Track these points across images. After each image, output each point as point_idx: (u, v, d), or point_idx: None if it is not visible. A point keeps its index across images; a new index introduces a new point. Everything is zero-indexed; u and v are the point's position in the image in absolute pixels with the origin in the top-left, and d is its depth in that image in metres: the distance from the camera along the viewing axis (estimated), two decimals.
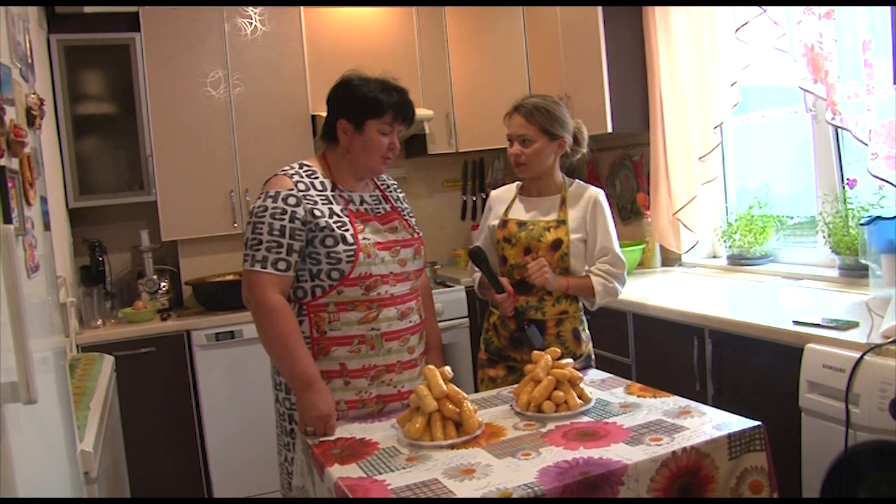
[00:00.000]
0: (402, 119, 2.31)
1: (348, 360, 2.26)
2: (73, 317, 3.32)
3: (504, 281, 2.58)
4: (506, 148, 2.71)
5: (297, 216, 2.19)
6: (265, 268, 2.17)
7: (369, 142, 2.29)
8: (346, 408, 2.26)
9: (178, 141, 4.17)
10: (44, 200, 1.79)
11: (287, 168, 2.32)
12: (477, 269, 2.66)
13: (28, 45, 1.81)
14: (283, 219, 2.18)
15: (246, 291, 2.21)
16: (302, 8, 4.39)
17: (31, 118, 1.62)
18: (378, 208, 2.39)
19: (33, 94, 1.69)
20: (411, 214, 2.52)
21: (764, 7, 3.10)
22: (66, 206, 3.98)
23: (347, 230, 2.23)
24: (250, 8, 4.29)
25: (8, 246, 1.12)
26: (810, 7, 2.94)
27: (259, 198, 2.25)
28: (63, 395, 1.81)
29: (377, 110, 2.27)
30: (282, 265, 2.18)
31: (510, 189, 2.80)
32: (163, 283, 4.25)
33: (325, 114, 2.39)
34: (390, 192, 2.50)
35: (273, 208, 2.19)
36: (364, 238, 2.25)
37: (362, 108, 2.28)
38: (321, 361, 2.24)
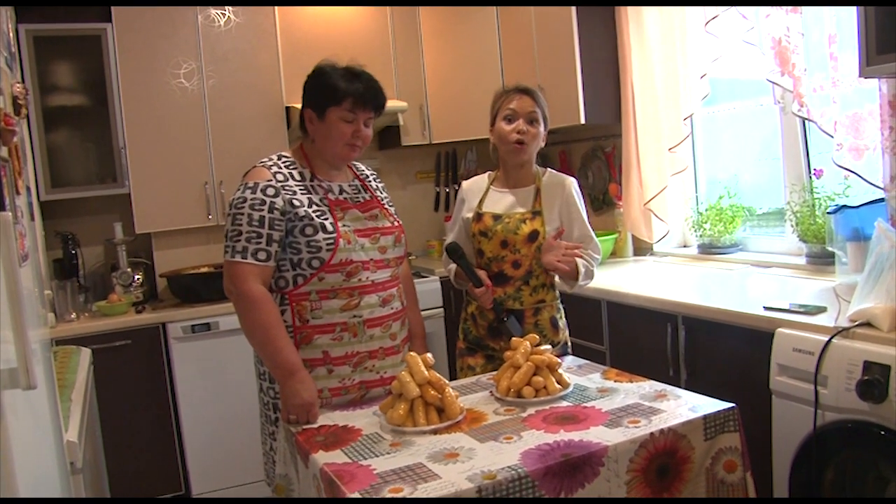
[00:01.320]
0: (364, 105, 2.30)
1: (331, 347, 2.28)
2: (48, 310, 3.30)
3: (482, 274, 2.60)
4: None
5: (276, 206, 2.21)
6: (245, 258, 2.18)
7: (332, 129, 2.30)
8: (329, 395, 2.29)
9: (152, 133, 4.15)
10: (28, 191, 1.80)
11: (265, 160, 2.34)
12: (454, 263, 2.68)
13: (11, 34, 1.81)
14: (263, 209, 2.20)
15: (227, 282, 2.23)
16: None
17: (17, 107, 1.63)
18: (357, 197, 2.41)
19: (19, 83, 1.69)
20: (391, 203, 2.54)
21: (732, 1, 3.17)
22: (38, 198, 3.94)
23: (327, 219, 2.26)
24: (225, 5, 4.27)
25: (7, 233, 1.14)
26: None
27: (238, 189, 2.26)
28: (50, 386, 1.82)
29: (336, 97, 2.28)
30: (262, 255, 2.19)
31: (482, 180, 2.81)
32: (137, 276, 4.23)
33: (299, 105, 2.42)
34: (369, 181, 2.53)
35: (252, 199, 2.21)
36: (343, 225, 2.28)
37: (323, 96, 2.30)
38: (304, 350, 2.26)
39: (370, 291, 2.31)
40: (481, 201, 2.73)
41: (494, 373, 2.34)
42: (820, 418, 2.23)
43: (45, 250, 3.96)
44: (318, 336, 2.27)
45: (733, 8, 3.17)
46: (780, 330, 2.41)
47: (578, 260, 2.60)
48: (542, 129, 2.64)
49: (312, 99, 2.33)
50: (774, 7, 3.01)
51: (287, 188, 2.26)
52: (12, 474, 1.19)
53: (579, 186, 2.73)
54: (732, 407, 1.98)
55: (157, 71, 4.15)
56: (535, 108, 2.61)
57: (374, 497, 1.61)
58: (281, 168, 2.31)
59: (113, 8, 4.03)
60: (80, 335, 3.70)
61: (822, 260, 3.11)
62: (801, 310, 2.48)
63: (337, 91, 2.27)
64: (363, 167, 2.57)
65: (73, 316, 3.92)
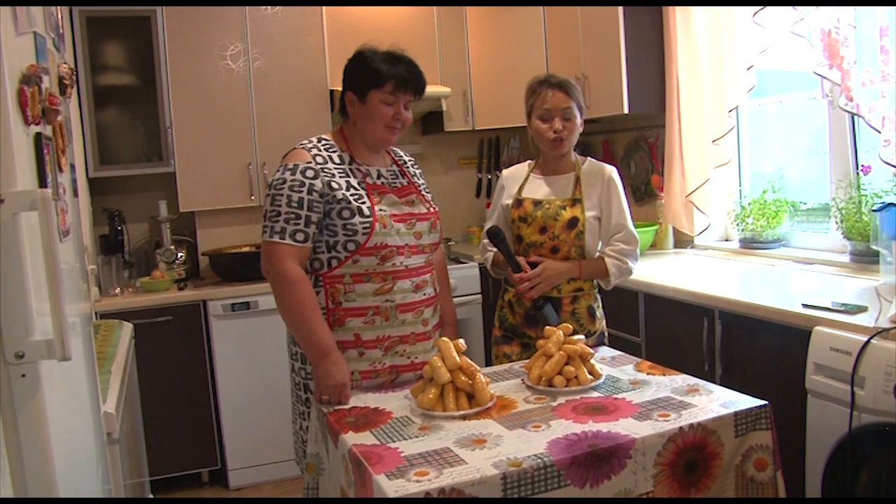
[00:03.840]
0: (405, 88, 2.32)
1: (363, 330, 2.30)
2: (92, 284, 3.38)
3: (521, 260, 2.61)
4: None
5: (315, 189, 2.23)
6: (283, 239, 2.21)
7: (373, 112, 2.32)
8: (360, 378, 2.31)
9: (198, 113, 4.21)
10: (73, 168, 1.84)
11: (305, 142, 2.36)
12: (492, 248, 2.69)
13: (59, 15, 1.85)
14: (302, 191, 2.22)
15: (265, 262, 2.26)
16: None
17: (63, 87, 1.67)
18: (395, 182, 2.43)
19: (65, 63, 1.74)
20: (427, 190, 2.55)
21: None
22: (87, 175, 4.03)
23: (364, 203, 2.27)
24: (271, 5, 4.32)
25: (47, 209, 1.17)
26: None
27: (278, 171, 2.29)
28: (88, 358, 1.87)
29: (377, 80, 2.30)
30: (300, 236, 2.22)
31: (522, 168, 2.82)
32: (180, 254, 4.30)
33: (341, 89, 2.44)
34: (407, 167, 2.54)
35: (291, 181, 2.23)
36: (380, 210, 2.30)
37: (364, 79, 2.32)
38: (336, 332, 2.28)
39: (403, 276, 2.33)
40: (521, 188, 2.74)
41: (527, 361, 2.34)
42: (856, 420, 2.19)
43: (91, 226, 4.06)
44: (351, 319, 2.30)
45: None
46: (817, 328, 2.37)
47: (608, 261, 2.62)
48: (578, 119, 2.63)
49: (354, 82, 2.35)
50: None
51: (326, 171, 2.28)
52: (48, 442, 1.23)
53: (621, 176, 2.72)
54: (765, 404, 1.96)
55: (204, 52, 4.21)
56: (569, 103, 2.60)
57: (400, 485, 1.63)
58: (321, 150, 2.33)
59: None
60: (124, 310, 3.79)
61: (866, 258, 3.04)
62: (841, 308, 2.43)
63: (379, 74, 2.30)
64: (401, 153, 2.59)
65: (117, 291, 4.01)
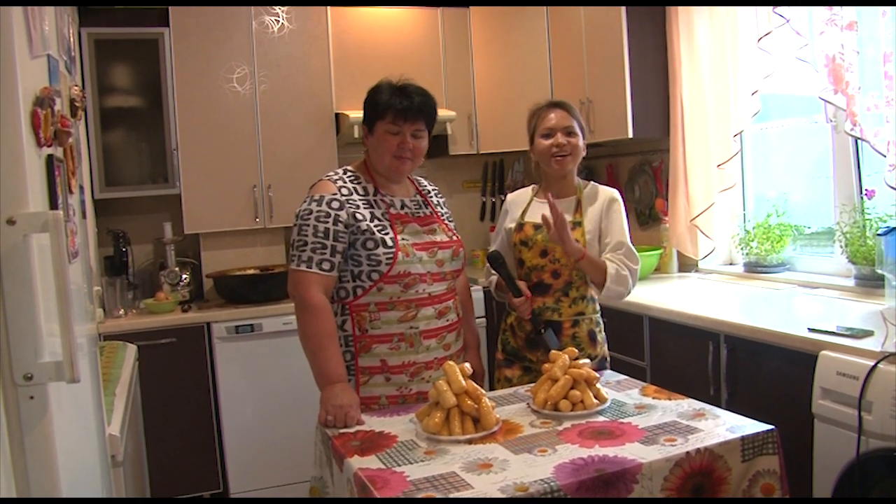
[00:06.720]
0: (405, 117, 2.36)
1: (389, 356, 2.35)
2: (97, 306, 3.38)
3: (521, 284, 2.60)
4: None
5: (340, 220, 2.30)
6: (310, 268, 2.28)
7: (380, 142, 2.39)
8: (387, 402, 2.36)
9: (203, 135, 4.23)
10: (82, 189, 1.85)
11: (331, 173, 2.44)
12: (494, 272, 2.69)
13: (71, 38, 1.87)
14: (327, 222, 2.29)
15: (291, 288, 2.33)
16: (328, 7, 4.44)
17: (74, 109, 1.68)
18: (418, 212, 2.49)
19: (76, 86, 1.75)
20: (451, 219, 2.61)
21: (786, 17, 3.12)
22: (92, 196, 4.04)
23: (387, 234, 2.33)
24: (278, 6, 4.35)
25: (58, 231, 1.18)
26: (832, 19, 2.96)
27: (304, 202, 2.35)
28: (94, 380, 1.86)
29: (379, 111, 2.37)
30: (326, 265, 2.28)
31: (526, 192, 2.83)
32: (184, 276, 4.30)
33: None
34: (431, 197, 2.60)
35: (318, 212, 2.30)
36: (403, 239, 2.35)
37: (370, 111, 2.41)
38: (363, 358, 2.35)
39: (427, 304, 2.38)
40: (524, 212, 2.75)
41: (532, 384, 2.33)
42: (863, 445, 2.18)
43: (96, 247, 4.06)
44: (377, 345, 2.35)
45: (786, 24, 3.13)
46: (823, 353, 2.37)
47: (609, 263, 2.56)
48: (580, 140, 2.65)
49: (365, 115, 2.44)
50: (829, 23, 2.96)
51: (351, 202, 2.34)
52: (55, 464, 1.23)
53: (624, 200, 2.72)
54: (772, 429, 1.95)
55: (211, 75, 4.24)
56: (570, 121, 2.64)
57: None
58: (346, 182, 2.39)
59: (170, 13, 4.14)
60: (127, 331, 3.78)
61: (871, 282, 3.05)
62: (847, 333, 2.43)
63: (377, 105, 2.37)
64: (426, 182, 2.66)
65: (121, 312, 4.00)
